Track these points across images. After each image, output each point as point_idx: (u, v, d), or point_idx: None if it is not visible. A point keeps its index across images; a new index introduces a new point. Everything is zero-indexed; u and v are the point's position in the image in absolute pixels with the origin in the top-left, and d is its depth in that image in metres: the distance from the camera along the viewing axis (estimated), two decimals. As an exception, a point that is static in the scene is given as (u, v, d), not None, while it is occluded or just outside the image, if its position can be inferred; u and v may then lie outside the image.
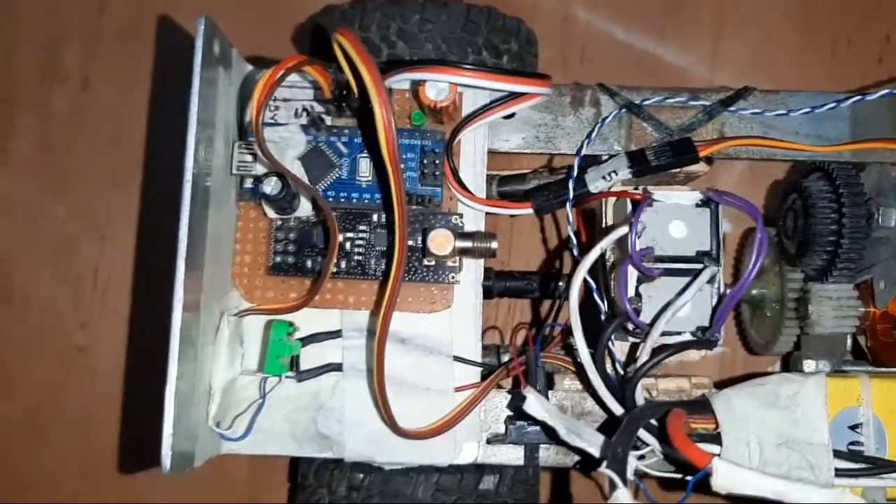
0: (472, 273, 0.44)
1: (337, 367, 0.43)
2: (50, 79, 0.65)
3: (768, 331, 0.53)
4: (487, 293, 0.53)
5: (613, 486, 0.34)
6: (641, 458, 0.38)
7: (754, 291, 0.53)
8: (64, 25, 0.65)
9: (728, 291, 0.39)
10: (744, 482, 0.35)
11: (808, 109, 0.44)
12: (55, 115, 0.64)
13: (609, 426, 0.39)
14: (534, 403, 0.39)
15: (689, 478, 0.36)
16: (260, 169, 0.41)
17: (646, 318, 0.40)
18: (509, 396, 0.43)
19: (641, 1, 0.64)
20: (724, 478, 0.34)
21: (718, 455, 0.39)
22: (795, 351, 0.51)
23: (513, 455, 0.44)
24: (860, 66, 0.64)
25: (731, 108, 0.45)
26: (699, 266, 0.40)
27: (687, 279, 0.40)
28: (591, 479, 0.47)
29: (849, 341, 0.49)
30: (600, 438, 0.39)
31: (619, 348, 0.43)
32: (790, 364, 0.51)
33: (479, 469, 0.46)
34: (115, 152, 0.64)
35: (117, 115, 0.64)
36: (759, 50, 0.64)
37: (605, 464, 0.34)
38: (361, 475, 0.45)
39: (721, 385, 0.43)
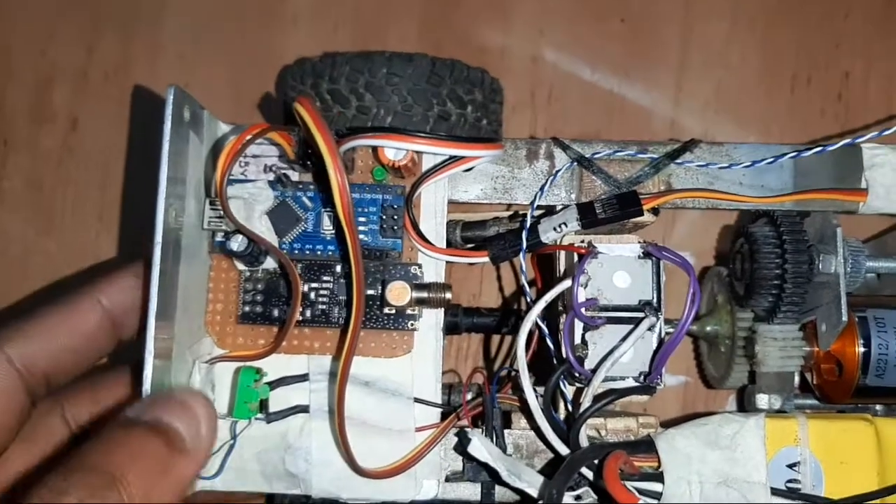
0: (432, 319, 0.46)
1: (304, 409, 0.45)
2: (39, 119, 0.67)
3: (722, 366, 0.55)
4: (455, 328, 0.56)
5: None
6: (578, 498, 0.41)
7: (708, 328, 0.55)
8: (53, 66, 0.68)
9: (667, 338, 0.42)
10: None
11: (749, 163, 0.46)
12: (44, 154, 0.67)
13: (556, 465, 0.41)
14: (477, 445, 0.41)
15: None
16: (229, 225, 0.44)
17: (590, 364, 0.42)
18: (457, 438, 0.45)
19: (607, 42, 0.67)
20: (648, 522, 0.37)
21: (660, 493, 0.42)
22: (749, 384, 0.54)
23: (471, 492, 0.46)
24: (820, 102, 0.67)
25: (678, 161, 0.47)
26: (641, 315, 0.42)
27: (631, 327, 0.43)
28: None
29: (797, 378, 0.52)
30: (539, 479, 0.41)
31: (572, 390, 0.45)
32: (745, 397, 0.54)
33: (443, 505, 0.48)
34: (103, 191, 0.66)
35: (105, 154, 0.67)
36: (722, 88, 0.67)
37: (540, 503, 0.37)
38: (329, 511, 0.48)
39: (680, 421, 0.45)
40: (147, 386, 0.39)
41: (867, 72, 0.67)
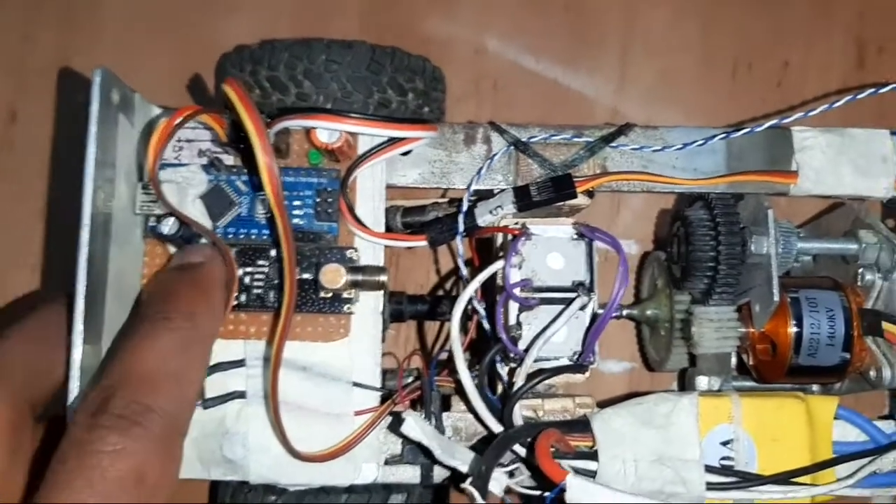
0: (370, 303, 0.46)
1: (241, 395, 0.45)
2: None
3: (662, 349, 0.56)
4: (399, 316, 0.56)
5: (475, 500, 0.36)
6: (511, 475, 0.41)
7: (648, 312, 0.56)
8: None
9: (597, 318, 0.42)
10: (594, 497, 0.37)
11: (680, 145, 0.46)
12: (-17, 146, 0.66)
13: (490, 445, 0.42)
14: (411, 425, 0.41)
15: (547, 493, 0.38)
16: (162, 208, 0.44)
17: (524, 344, 0.43)
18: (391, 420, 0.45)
19: (550, 30, 0.67)
20: (576, 492, 0.37)
21: (595, 472, 0.42)
22: (690, 367, 0.54)
23: (411, 474, 0.46)
24: (760, 90, 0.68)
25: (613, 144, 0.47)
26: (575, 295, 0.43)
27: (564, 307, 0.43)
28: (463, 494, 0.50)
29: (734, 359, 0.53)
30: (471, 456, 0.41)
31: (508, 370, 0.46)
32: (685, 380, 0.54)
33: (388, 488, 0.48)
34: (44, 183, 0.65)
35: (45, 146, 0.65)
36: (664, 75, 0.67)
37: (469, 480, 0.37)
38: (273, 497, 0.47)
39: (618, 402, 0.46)
40: (76, 371, 0.38)
41: (806, 61, 0.68)
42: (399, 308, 0.55)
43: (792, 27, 0.68)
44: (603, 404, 0.47)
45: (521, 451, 0.41)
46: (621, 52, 0.67)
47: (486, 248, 0.51)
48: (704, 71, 0.67)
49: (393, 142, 0.46)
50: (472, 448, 0.43)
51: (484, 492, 0.37)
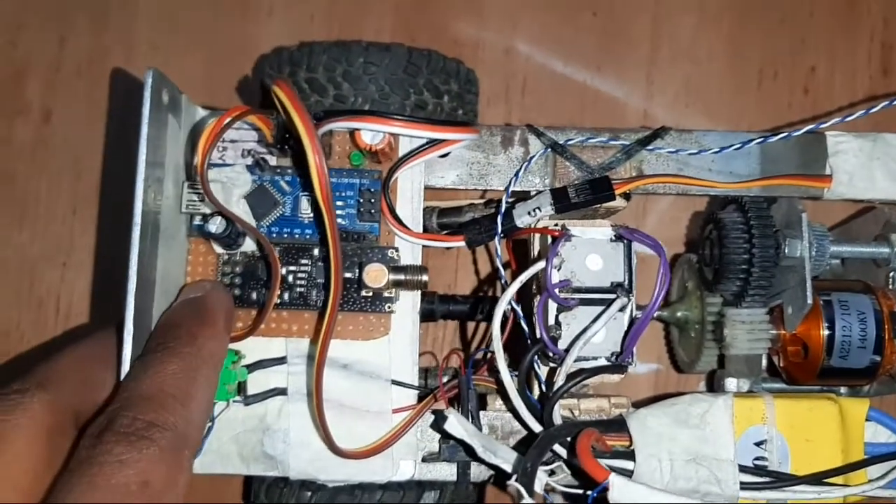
0: (408, 302, 0.47)
1: (282, 392, 0.46)
2: (12, 111, 0.67)
3: (692, 350, 0.56)
4: (430, 316, 0.57)
5: (520, 499, 0.37)
6: (552, 473, 0.42)
7: (679, 314, 0.56)
8: (25, 57, 0.67)
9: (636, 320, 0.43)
10: (636, 496, 0.38)
11: (717, 149, 0.47)
12: (18, 146, 0.67)
13: (530, 444, 0.42)
14: (454, 423, 0.42)
15: (590, 492, 0.39)
16: (207, 208, 0.44)
17: (563, 344, 0.43)
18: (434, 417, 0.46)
19: (579, 35, 0.68)
20: (619, 492, 0.38)
21: (632, 471, 0.43)
22: (719, 369, 0.55)
23: (447, 472, 0.47)
24: (787, 97, 0.68)
25: (649, 147, 0.48)
26: (614, 296, 0.43)
27: (603, 308, 0.43)
28: (507, 493, 0.50)
29: (764, 361, 0.53)
30: (514, 455, 0.42)
31: (546, 370, 0.46)
32: (714, 381, 0.55)
33: (421, 486, 0.49)
34: (77, 182, 0.66)
35: (78, 146, 0.66)
36: (691, 81, 0.68)
37: (514, 477, 0.38)
38: (309, 493, 0.48)
39: (653, 401, 0.46)
40: (126, 367, 0.39)
41: (832, 66, 0.68)
42: (430, 308, 0.56)
43: (817, 34, 0.69)
44: (634, 404, 0.47)
45: (560, 450, 0.42)
46: (649, 58, 0.68)
47: (521, 251, 0.52)
48: (731, 77, 0.68)
49: (433, 144, 0.46)
50: (513, 448, 0.43)
51: (530, 489, 0.37)
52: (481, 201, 0.52)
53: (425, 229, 0.49)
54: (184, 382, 0.38)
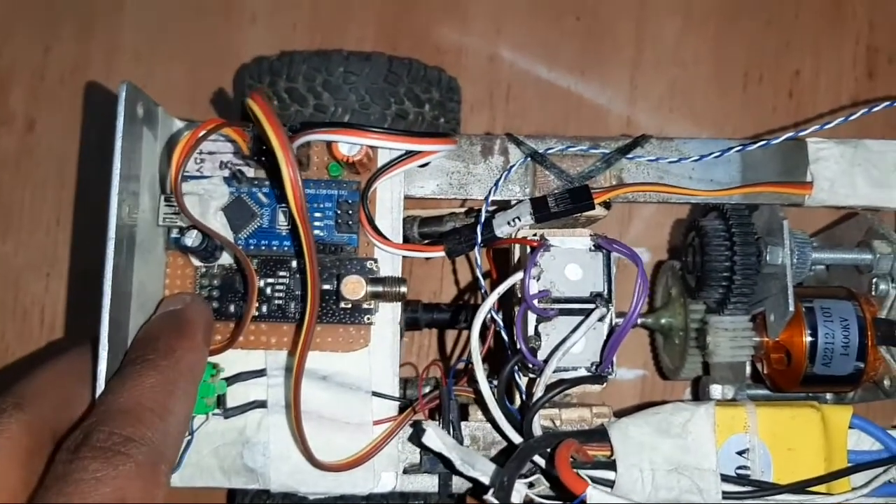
0: (388, 313, 0.47)
1: (262, 404, 0.45)
2: (-4, 120, 0.67)
3: (676, 357, 0.56)
4: (415, 324, 0.56)
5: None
6: (531, 486, 0.41)
7: (663, 321, 0.56)
8: (9, 66, 0.67)
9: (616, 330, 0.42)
10: (613, 510, 0.38)
11: (697, 157, 0.47)
12: (1, 155, 0.66)
13: (510, 455, 0.42)
14: (432, 436, 0.42)
15: (568, 505, 0.39)
16: (185, 221, 0.44)
17: (543, 355, 0.43)
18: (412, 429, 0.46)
19: (563, 40, 0.68)
20: (597, 504, 0.38)
21: (613, 481, 0.42)
22: (704, 376, 0.55)
23: (429, 483, 0.46)
24: (772, 100, 0.68)
25: (629, 156, 0.48)
26: (593, 306, 0.43)
27: (583, 318, 0.43)
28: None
29: (748, 368, 0.53)
30: (492, 468, 0.42)
31: (527, 381, 0.46)
32: (699, 388, 0.55)
33: (405, 497, 0.48)
34: (61, 191, 0.66)
35: (62, 155, 0.66)
36: (676, 85, 0.68)
37: (491, 491, 0.38)
38: (291, 506, 0.48)
39: (634, 411, 0.46)
40: (101, 381, 0.39)
41: (817, 70, 0.68)
42: (415, 316, 0.56)
43: (802, 38, 0.69)
44: (617, 413, 0.47)
45: (540, 461, 0.42)
46: (633, 63, 0.68)
47: (502, 259, 0.51)
48: (716, 81, 0.68)
49: (412, 154, 0.46)
50: (491, 460, 0.43)
51: (506, 503, 0.37)
52: (462, 210, 0.52)
53: (406, 239, 0.49)
54: (161, 396, 0.37)
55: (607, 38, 0.68)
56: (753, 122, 0.67)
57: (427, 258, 0.49)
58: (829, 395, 0.54)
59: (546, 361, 0.42)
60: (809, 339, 0.49)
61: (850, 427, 0.46)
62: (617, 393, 0.63)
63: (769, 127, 0.67)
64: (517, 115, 0.67)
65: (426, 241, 0.51)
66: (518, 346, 0.42)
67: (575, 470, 0.40)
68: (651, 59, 0.68)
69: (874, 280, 0.50)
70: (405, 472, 0.46)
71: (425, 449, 0.44)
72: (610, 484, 0.42)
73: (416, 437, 0.44)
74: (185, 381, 0.39)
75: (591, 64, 0.68)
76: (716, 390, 0.52)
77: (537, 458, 0.42)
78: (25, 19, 0.68)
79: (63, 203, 0.66)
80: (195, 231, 0.42)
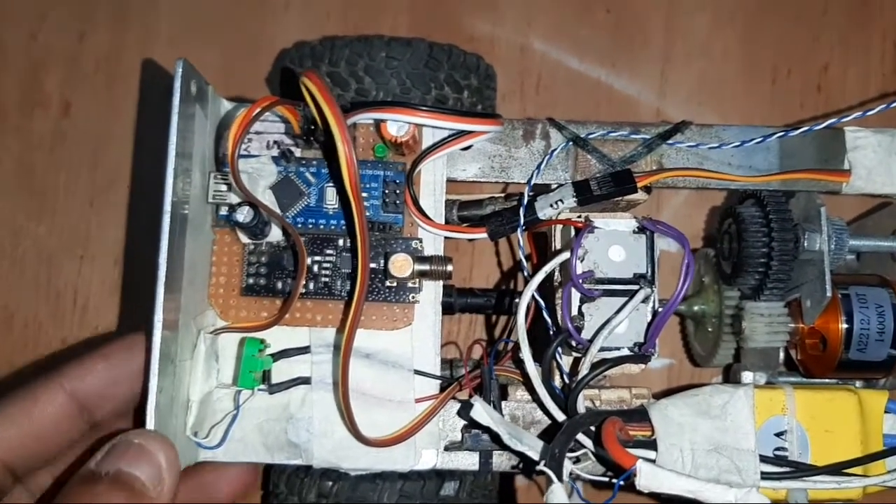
0: (431, 293, 0.47)
1: (306, 381, 0.46)
2: (31, 103, 0.68)
3: (709, 344, 0.57)
4: (449, 309, 0.57)
5: (550, 484, 0.37)
6: (577, 461, 0.42)
7: (696, 308, 0.57)
8: (45, 52, 0.68)
9: (661, 310, 0.43)
10: (663, 482, 0.38)
11: (738, 143, 0.48)
12: (36, 138, 0.67)
13: (554, 433, 0.43)
14: (480, 411, 0.42)
15: (616, 480, 0.39)
16: (234, 198, 0.45)
17: (587, 334, 0.44)
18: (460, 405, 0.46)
19: (594, 33, 0.69)
20: (647, 478, 0.38)
21: (654, 460, 0.43)
22: (735, 363, 0.55)
23: (469, 461, 0.47)
24: (800, 94, 0.69)
25: (669, 142, 0.48)
26: (636, 287, 0.44)
27: (625, 299, 0.44)
28: (532, 481, 0.51)
29: (781, 354, 0.53)
30: (539, 443, 0.42)
31: (567, 361, 0.47)
32: (730, 375, 0.55)
33: (441, 476, 0.49)
34: (94, 175, 0.67)
35: (96, 139, 0.67)
36: (705, 79, 0.68)
37: (542, 462, 0.38)
38: (330, 483, 0.49)
39: (665, 395, 0.47)
40: (156, 353, 0.39)
41: (845, 64, 0.69)
42: (449, 300, 0.56)
43: (830, 33, 0.69)
44: (654, 396, 0.48)
45: (584, 439, 0.42)
46: (663, 56, 0.69)
47: (541, 244, 0.52)
48: (744, 75, 0.69)
49: (456, 136, 0.47)
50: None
51: (559, 473, 0.38)
52: (501, 195, 0.52)
53: (446, 221, 0.50)
54: None
55: (637, 31, 0.69)
56: (781, 116, 0.68)
57: (469, 240, 0.49)
58: (858, 383, 0.54)
59: (591, 340, 0.43)
60: (845, 325, 0.49)
61: (885, 411, 0.46)
62: (646, 381, 0.63)
63: (797, 121, 0.67)
64: (547, 105, 0.68)
65: (465, 224, 0.51)
66: (564, 325, 0.43)
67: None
68: (681, 53, 0.69)
69: (909, 268, 0.51)
70: (446, 449, 0.47)
71: (470, 425, 0.45)
72: (650, 463, 0.43)
73: (463, 413, 0.45)
74: None
75: (621, 56, 0.68)
76: (747, 377, 0.52)
77: (581, 437, 0.42)
78: (60, 4, 0.68)
79: (96, 186, 0.67)
80: (246, 207, 0.43)
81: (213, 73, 0.67)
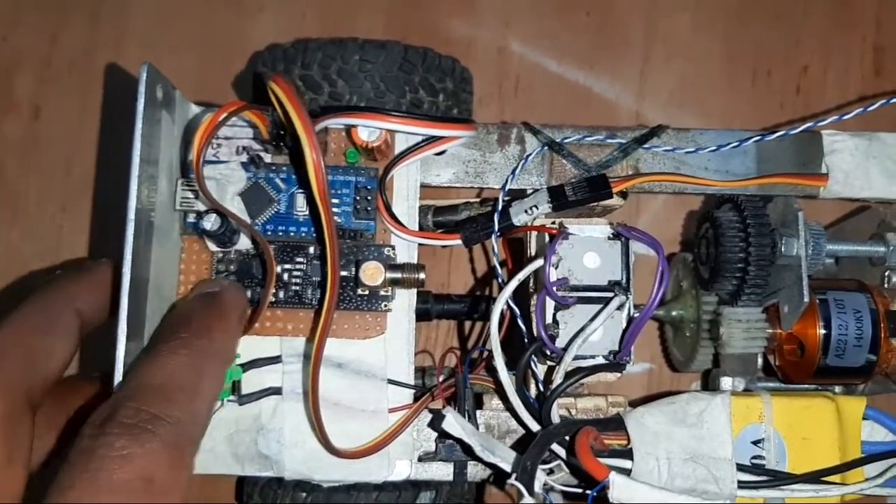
0: (405, 301, 0.47)
1: (277, 391, 0.45)
2: (2, 107, 0.67)
3: (687, 349, 0.56)
4: (426, 315, 0.56)
5: (521, 498, 0.37)
6: (550, 472, 0.41)
7: (674, 313, 0.56)
8: (16, 53, 0.67)
9: (636, 317, 0.42)
10: (635, 494, 0.38)
11: (714, 147, 0.47)
12: (7, 143, 0.66)
13: (528, 443, 0.42)
14: (451, 422, 0.42)
15: (589, 491, 0.39)
16: (201, 205, 0.44)
17: (561, 343, 0.43)
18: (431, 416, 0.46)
19: (572, 35, 0.68)
20: (620, 490, 0.38)
21: (629, 469, 0.42)
22: (714, 368, 0.55)
23: (444, 471, 0.46)
24: (780, 96, 0.69)
25: (646, 146, 0.48)
26: (611, 295, 0.43)
27: (600, 306, 0.43)
28: (505, 492, 0.50)
29: (759, 360, 0.53)
30: (512, 454, 0.42)
31: (543, 369, 0.46)
32: (709, 380, 0.55)
33: (416, 486, 0.48)
34: (67, 179, 0.66)
35: (68, 143, 0.66)
36: (685, 80, 0.68)
37: (514, 476, 0.38)
38: (304, 494, 0.48)
39: (646, 400, 0.46)
40: (119, 365, 0.39)
41: (825, 66, 0.69)
42: (426, 307, 0.56)
43: (810, 35, 0.69)
44: (631, 404, 0.47)
45: (558, 449, 0.42)
46: (643, 58, 0.68)
47: (516, 250, 0.51)
48: (725, 77, 0.68)
49: (429, 141, 0.46)
50: (511, 448, 0.43)
51: (530, 487, 0.37)
52: (476, 200, 0.52)
53: (420, 228, 0.49)
54: (193, 375, 0.37)
55: (617, 33, 0.68)
56: (762, 118, 0.67)
57: (443, 246, 0.49)
58: (837, 388, 0.54)
59: (565, 349, 0.42)
60: (823, 330, 0.49)
61: (864, 418, 0.46)
62: (625, 386, 0.63)
63: (777, 122, 0.67)
64: (526, 108, 0.67)
65: (440, 231, 0.50)
66: (537, 334, 0.42)
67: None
68: (660, 54, 0.68)
69: (887, 272, 0.51)
70: (420, 459, 0.46)
71: (443, 435, 0.44)
72: (626, 472, 0.42)
73: (435, 424, 0.44)
74: (216, 364, 0.39)
75: (600, 58, 0.68)
76: (726, 382, 0.52)
77: (555, 447, 0.42)
78: (33, 6, 0.67)
79: (69, 190, 0.66)
80: (214, 215, 0.42)
81: (187, 76, 0.66)
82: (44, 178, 0.66)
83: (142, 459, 0.32)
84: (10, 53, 0.67)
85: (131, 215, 0.39)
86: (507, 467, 0.41)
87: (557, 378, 0.42)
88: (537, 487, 0.39)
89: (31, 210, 0.66)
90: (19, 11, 0.67)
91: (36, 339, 0.39)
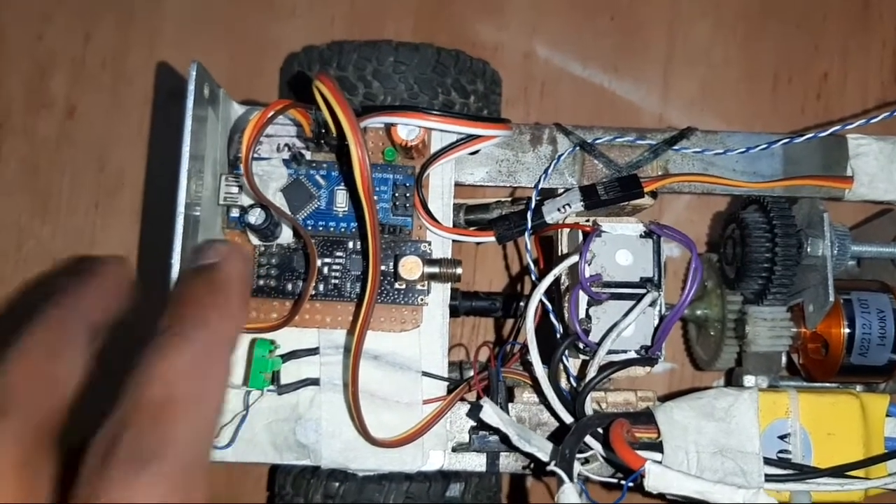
0: (439, 295, 0.48)
1: (314, 382, 0.46)
2: (36, 104, 0.68)
3: (711, 348, 0.57)
4: (454, 312, 0.57)
5: (561, 484, 0.38)
6: (585, 462, 0.42)
7: (699, 312, 0.57)
8: (51, 52, 0.68)
9: (667, 314, 0.44)
10: (671, 483, 0.39)
11: (743, 149, 0.48)
12: (41, 140, 0.67)
13: (561, 435, 0.43)
14: (489, 412, 0.43)
15: (624, 481, 0.40)
16: (245, 200, 0.45)
17: (594, 337, 0.44)
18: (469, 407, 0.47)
19: (597, 39, 0.69)
20: (656, 479, 0.39)
21: (660, 462, 0.43)
22: (737, 367, 0.56)
23: (476, 462, 0.47)
24: (800, 102, 0.70)
25: (675, 147, 0.49)
26: (643, 291, 0.44)
27: (632, 302, 0.44)
28: (541, 481, 0.51)
29: (783, 359, 0.54)
30: (548, 444, 0.43)
31: (574, 364, 0.47)
32: (732, 379, 0.56)
33: (446, 477, 0.49)
34: (99, 177, 0.67)
35: (101, 140, 0.67)
36: (706, 85, 0.69)
37: (553, 463, 0.39)
38: (336, 483, 0.49)
39: (668, 398, 0.47)
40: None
41: (844, 72, 0.70)
42: (454, 304, 0.57)
43: (831, 41, 0.70)
44: (659, 399, 0.48)
45: (591, 441, 0.43)
46: (665, 63, 0.69)
47: (547, 248, 0.52)
48: (746, 82, 0.69)
49: (465, 140, 0.47)
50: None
51: (570, 473, 0.38)
52: (508, 199, 0.53)
53: (453, 225, 0.50)
54: (195, 380, 0.33)
55: (640, 38, 0.69)
56: (782, 123, 0.68)
57: (477, 243, 0.50)
58: (858, 387, 0.55)
59: (599, 343, 0.43)
60: (847, 329, 0.50)
61: (887, 415, 0.47)
62: (648, 385, 0.64)
63: (798, 127, 0.68)
64: (551, 111, 0.68)
65: (473, 228, 0.52)
66: (572, 328, 0.43)
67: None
68: (683, 59, 0.69)
69: (910, 274, 0.52)
70: (453, 450, 0.47)
71: (479, 426, 0.45)
72: (659, 464, 0.43)
73: (472, 414, 0.45)
74: (220, 356, 0.35)
75: (624, 62, 0.69)
76: (749, 381, 0.53)
77: (589, 439, 0.43)
78: (67, 6, 0.69)
79: (101, 187, 0.67)
80: (258, 209, 0.43)
81: (219, 75, 0.67)
82: (77, 175, 0.67)
83: (150, 489, 0.29)
84: (44, 53, 0.68)
85: (181, 209, 0.41)
86: (543, 456, 0.42)
87: (591, 371, 0.43)
88: (574, 476, 0.40)
89: (62, 206, 0.67)
90: (52, 9, 0.68)
91: (47, 369, 0.34)
